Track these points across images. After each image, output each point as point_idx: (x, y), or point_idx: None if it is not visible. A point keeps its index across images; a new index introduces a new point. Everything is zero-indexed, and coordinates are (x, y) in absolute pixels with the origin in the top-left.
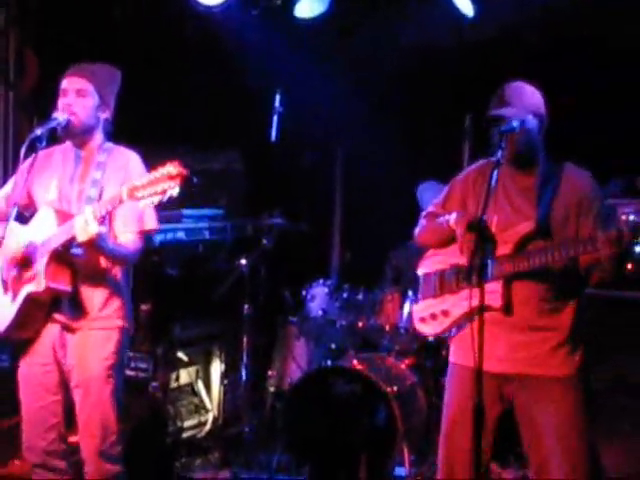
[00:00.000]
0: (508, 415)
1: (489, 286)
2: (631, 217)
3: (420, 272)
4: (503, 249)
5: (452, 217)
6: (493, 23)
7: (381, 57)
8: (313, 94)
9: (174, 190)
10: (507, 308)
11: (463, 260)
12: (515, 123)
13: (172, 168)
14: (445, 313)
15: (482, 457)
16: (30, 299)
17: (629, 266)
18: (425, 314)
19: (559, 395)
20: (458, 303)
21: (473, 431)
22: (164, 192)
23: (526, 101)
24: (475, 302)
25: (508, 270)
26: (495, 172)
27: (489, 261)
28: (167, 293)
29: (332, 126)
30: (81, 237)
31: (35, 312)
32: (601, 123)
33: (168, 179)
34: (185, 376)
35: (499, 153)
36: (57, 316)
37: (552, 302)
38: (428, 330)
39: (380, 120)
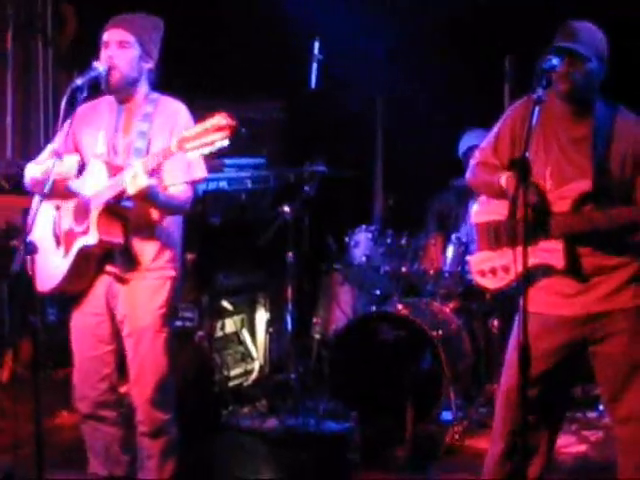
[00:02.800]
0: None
1: (549, 244)
2: None
3: (474, 220)
4: (561, 205)
5: (503, 178)
6: None
7: (417, 3)
8: (352, 41)
9: (224, 141)
10: (571, 268)
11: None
12: (555, 61)
13: (222, 119)
14: (505, 269)
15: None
16: (83, 252)
17: None
18: (484, 267)
19: (632, 325)
20: (519, 259)
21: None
22: (213, 143)
23: (595, 42)
24: (534, 261)
25: (569, 229)
26: (536, 109)
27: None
28: (211, 242)
29: (372, 72)
30: (131, 190)
31: (87, 265)
32: None
33: (218, 130)
34: (230, 325)
35: (539, 91)
36: (109, 268)
37: (616, 252)
38: (489, 284)
39: (419, 65)
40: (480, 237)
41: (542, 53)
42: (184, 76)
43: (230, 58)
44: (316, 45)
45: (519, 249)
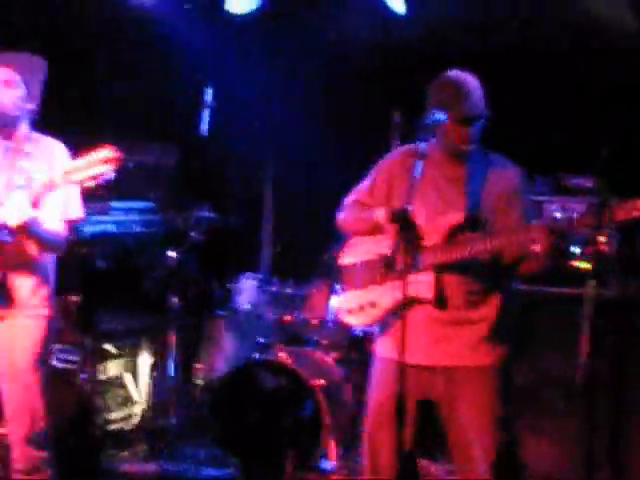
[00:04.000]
0: (434, 409)
1: (420, 277)
2: (557, 214)
3: (344, 262)
4: (432, 239)
5: (380, 213)
6: (422, 21)
7: (311, 54)
8: (245, 89)
9: (109, 174)
10: (439, 300)
11: (391, 250)
12: (440, 115)
13: (107, 152)
14: (373, 304)
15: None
16: None
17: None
18: (352, 305)
19: (479, 385)
20: (386, 294)
21: (396, 423)
22: (99, 176)
23: (482, 100)
24: (405, 293)
25: (439, 260)
26: (420, 163)
27: (417, 252)
28: (97, 285)
29: (264, 121)
30: (12, 222)
31: None
32: (529, 122)
33: (103, 163)
34: (113, 368)
35: (424, 145)
36: None
37: (479, 294)
38: (355, 321)
39: (311, 117)
40: (349, 277)
41: (428, 106)
42: (80, 116)
43: (122, 101)
44: (208, 92)
45: (389, 284)
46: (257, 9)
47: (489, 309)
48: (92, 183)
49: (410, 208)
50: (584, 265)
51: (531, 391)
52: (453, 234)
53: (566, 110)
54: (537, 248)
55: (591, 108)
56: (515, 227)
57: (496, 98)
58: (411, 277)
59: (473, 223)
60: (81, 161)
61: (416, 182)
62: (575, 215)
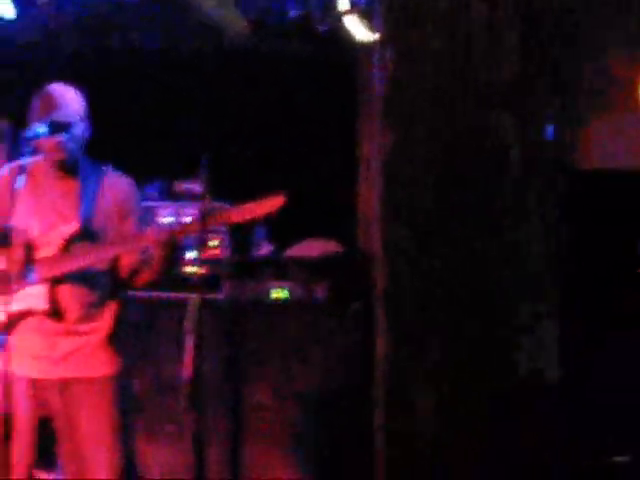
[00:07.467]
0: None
1: (34, 289)
2: (167, 219)
3: None
4: (47, 251)
5: None
6: (33, 26)
7: None
8: None
9: None
10: (54, 311)
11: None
12: (40, 129)
13: None
14: None
15: (23, 464)
16: None
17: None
18: None
19: (98, 396)
20: (2, 308)
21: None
22: None
23: (74, 105)
24: (18, 306)
25: (54, 272)
26: (22, 177)
27: (31, 265)
28: None
29: None
30: None
31: None
32: (142, 126)
33: None
34: None
35: (25, 159)
36: None
37: (97, 306)
38: None
39: None
40: None
41: (26, 121)
42: None
43: None
44: None
45: (4, 298)
46: None
47: (104, 319)
48: None
49: (9, 225)
50: (196, 270)
51: (149, 398)
52: (68, 245)
53: (176, 114)
54: (151, 255)
55: (200, 113)
56: (129, 236)
57: (105, 103)
58: (26, 290)
59: (88, 233)
60: None
61: (18, 196)
62: (185, 220)
